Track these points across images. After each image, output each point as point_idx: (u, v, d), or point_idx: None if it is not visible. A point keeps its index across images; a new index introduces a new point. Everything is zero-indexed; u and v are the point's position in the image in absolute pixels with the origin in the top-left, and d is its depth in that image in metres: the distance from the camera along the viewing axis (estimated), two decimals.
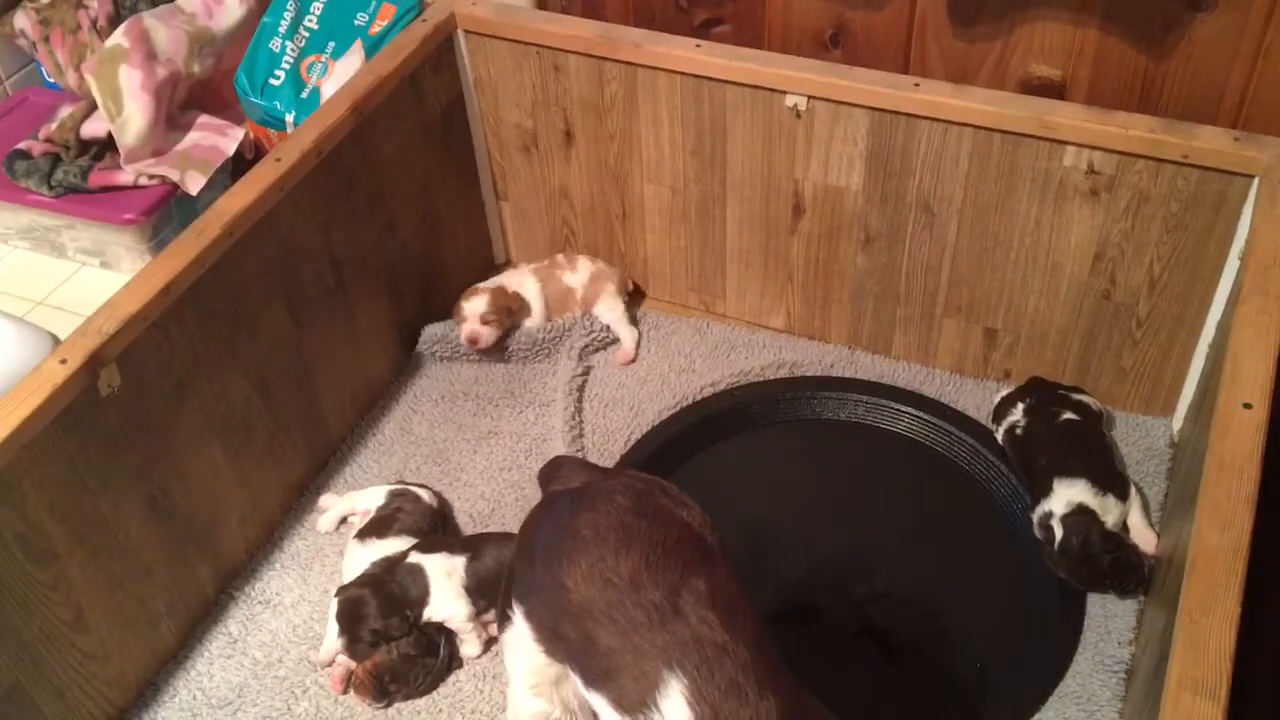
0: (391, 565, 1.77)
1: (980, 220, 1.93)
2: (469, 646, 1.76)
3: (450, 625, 1.74)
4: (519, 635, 1.29)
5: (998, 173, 1.86)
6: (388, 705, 1.71)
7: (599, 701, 1.15)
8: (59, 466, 1.51)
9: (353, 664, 1.73)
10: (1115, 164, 1.78)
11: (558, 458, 1.75)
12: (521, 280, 2.27)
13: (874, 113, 1.88)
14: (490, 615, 1.77)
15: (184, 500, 1.74)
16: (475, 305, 2.18)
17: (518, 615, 1.29)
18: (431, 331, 2.24)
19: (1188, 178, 1.75)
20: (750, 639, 1.14)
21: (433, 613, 1.73)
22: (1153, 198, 1.79)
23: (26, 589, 1.50)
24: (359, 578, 1.77)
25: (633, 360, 2.22)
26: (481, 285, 2.24)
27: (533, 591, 1.28)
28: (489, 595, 1.75)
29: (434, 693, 1.72)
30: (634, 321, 2.28)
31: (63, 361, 1.50)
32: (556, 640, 1.24)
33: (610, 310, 2.26)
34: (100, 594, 1.62)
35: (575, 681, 1.21)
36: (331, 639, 1.74)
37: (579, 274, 2.28)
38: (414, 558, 1.77)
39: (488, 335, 2.17)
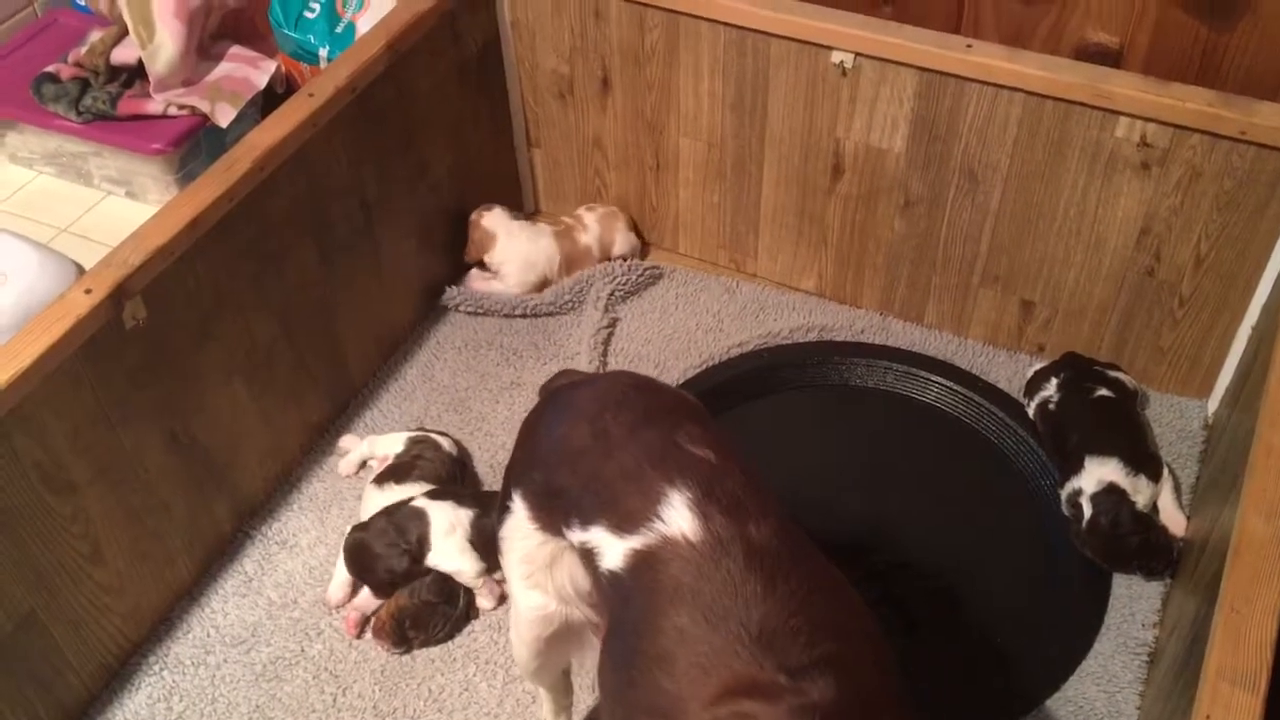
0: (396, 507, 1.76)
1: (1025, 189, 1.89)
2: (483, 599, 1.75)
3: (460, 580, 1.73)
4: (515, 520, 1.28)
5: (1047, 141, 1.81)
6: (406, 651, 1.70)
7: (597, 535, 1.14)
8: (81, 398, 1.50)
9: (367, 609, 1.73)
10: (1169, 137, 1.73)
11: (563, 370, 1.73)
12: (539, 242, 2.23)
13: (923, 73, 1.83)
14: (500, 574, 1.75)
15: (205, 437, 1.73)
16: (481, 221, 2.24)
17: (514, 499, 1.28)
18: (454, 288, 2.22)
19: (1243, 154, 1.70)
20: (747, 471, 1.17)
21: (437, 561, 1.72)
22: (1205, 173, 1.74)
23: (45, 519, 1.49)
24: (361, 524, 1.76)
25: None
26: (502, 213, 2.23)
27: (529, 467, 1.28)
28: (495, 553, 1.73)
29: (449, 642, 1.72)
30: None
31: (88, 291, 1.48)
32: (552, 499, 1.23)
33: (627, 242, 2.29)
34: (118, 527, 1.61)
35: (572, 535, 1.20)
36: (339, 579, 1.74)
37: (590, 230, 2.26)
38: (418, 502, 1.76)
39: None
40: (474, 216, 2.23)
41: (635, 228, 2.32)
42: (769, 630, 1.00)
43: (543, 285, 2.25)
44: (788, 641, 1.00)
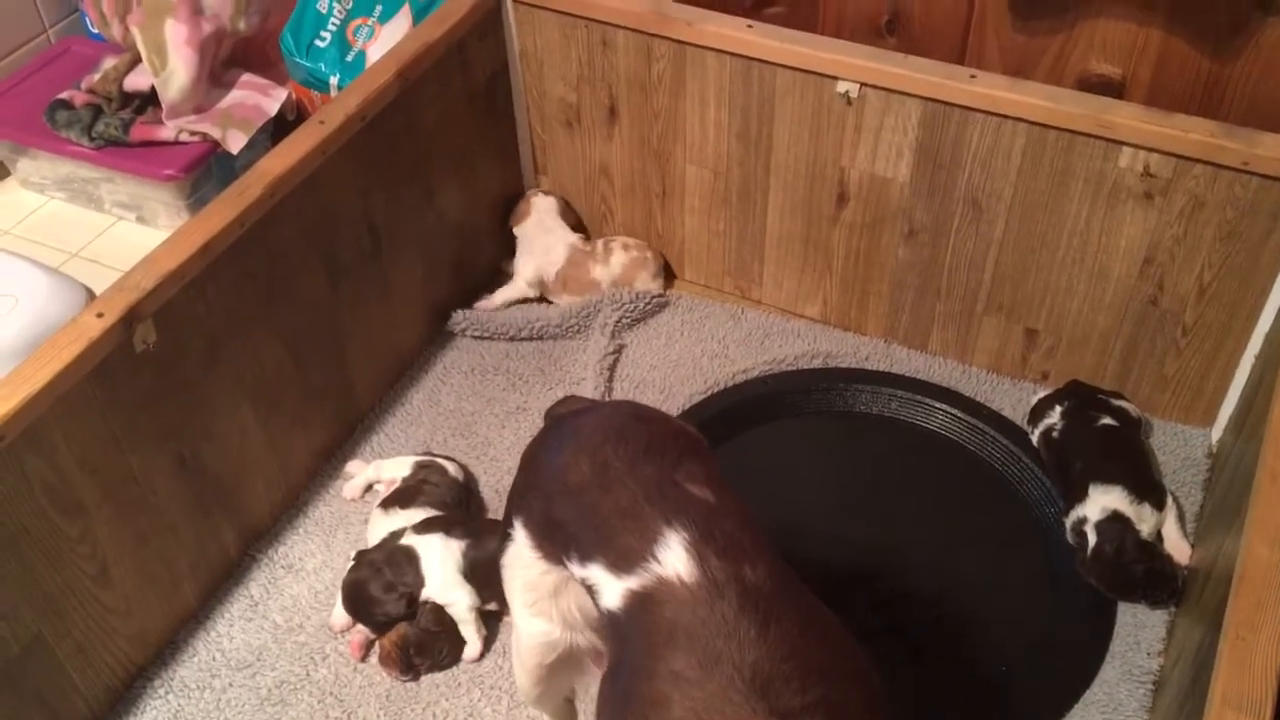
0: (386, 545, 1.76)
1: (1028, 218, 1.90)
2: (470, 645, 1.72)
3: (452, 613, 1.72)
4: (517, 548, 1.29)
5: (1050, 170, 1.83)
6: (415, 678, 1.70)
7: (595, 572, 1.15)
8: (91, 420, 1.51)
9: (371, 633, 1.73)
10: (1172, 167, 1.74)
11: (567, 396, 1.74)
12: (548, 241, 2.27)
13: (927, 103, 1.85)
14: (491, 606, 1.75)
15: (212, 460, 1.73)
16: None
17: (516, 526, 1.29)
18: (461, 313, 2.23)
19: (1246, 185, 1.71)
20: (744, 514, 1.17)
21: (431, 594, 1.72)
22: (1208, 204, 1.75)
23: (54, 540, 1.50)
24: (357, 559, 1.76)
25: None
26: (552, 203, 2.31)
27: (530, 493, 1.29)
28: (491, 585, 1.71)
29: (454, 668, 1.72)
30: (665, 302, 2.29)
31: (99, 315, 1.49)
32: (553, 530, 1.23)
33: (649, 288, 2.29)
34: (126, 550, 1.61)
35: (572, 568, 1.20)
36: (341, 607, 1.75)
37: (611, 268, 2.26)
38: (407, 539, 1.76)
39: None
40: (530, 190, 2.34)
41: (667, 268, 2.32)
42: (762, 675, 1.01)
43: (540, 284, 2.28)
44: (780, 686, 1.01)
